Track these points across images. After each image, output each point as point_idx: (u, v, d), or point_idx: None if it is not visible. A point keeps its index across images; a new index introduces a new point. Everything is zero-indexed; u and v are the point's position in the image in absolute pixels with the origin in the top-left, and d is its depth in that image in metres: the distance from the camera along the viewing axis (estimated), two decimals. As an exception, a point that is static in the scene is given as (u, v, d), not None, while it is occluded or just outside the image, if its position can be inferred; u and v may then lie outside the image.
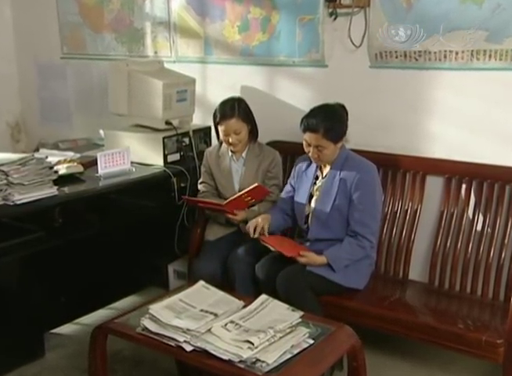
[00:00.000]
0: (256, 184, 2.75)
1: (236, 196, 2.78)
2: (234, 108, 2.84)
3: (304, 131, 2.58)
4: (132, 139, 3.21)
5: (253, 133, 2.93)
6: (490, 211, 2.70)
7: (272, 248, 2.62)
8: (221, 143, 2.98)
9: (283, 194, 2.84)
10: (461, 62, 2.69)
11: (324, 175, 2.69)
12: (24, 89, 4.46)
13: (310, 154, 2.61)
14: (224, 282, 2.66)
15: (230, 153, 2.96)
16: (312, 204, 2.69)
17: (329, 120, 2.55)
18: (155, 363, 2.72)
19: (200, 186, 3.04)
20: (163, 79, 3.13)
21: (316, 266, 2.55)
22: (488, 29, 2.60)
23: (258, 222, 2.66)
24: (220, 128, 2.87)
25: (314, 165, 2.73)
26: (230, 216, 2.81)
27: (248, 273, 2.67)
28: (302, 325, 2.09)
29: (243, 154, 2.95)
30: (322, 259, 2.55)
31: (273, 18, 3.19)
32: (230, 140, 2.86)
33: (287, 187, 2.84)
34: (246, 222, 2.80)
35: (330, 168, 2.66)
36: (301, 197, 2.74)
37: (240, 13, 3.30)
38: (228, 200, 2.78)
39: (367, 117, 3.00)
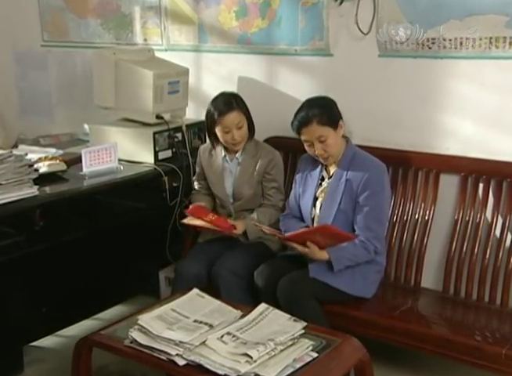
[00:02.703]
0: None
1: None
2: (231, 101, 2.85)
3: (299, 129, 2.62)
4: (120, 135, 3.21)
5: (250, 130, 2.94)
6: (510, 213, 2.70)
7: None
8: (212, 143, 2.96)
9: (293, 201, 2.83)
10: (478, 50, 2.69)
11: (330, 175, 2.69)
12: (1, 80, 4.45)
13: (316, 152, 2.62)
14: (212, 285, 2.68)
15: (223, 153, 2.95)
16: (317, 206, 2.70)
17: (316, 106, 2.60)
18: (144, 379, 2.72)
19: (195, 183, 3.08)
20: (153, 69, 3.13)
21: (315, 260, 2.55)
22: (508, 14, 2.60)
23: None
24: (219, 126, 2.84)
25: (319, 165, 2.73)
26: (233, 232, 2.80)
27: (235, 284, 2.67)
28: (305, 337, 2.09)
29: (238, 154, 2.95)
30: (321, 254, 2.55)
31: (273, 2, 3.19)
32: (235, 136, 2.84)
33: (295, 191, 2.82)
34: (245, 234, 2.81)
35: (337, 168, 2.67)
36: (306, 200, 2.74)
37: (238, -3, 3.31)
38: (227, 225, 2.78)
39: (376, 110, 3.00)
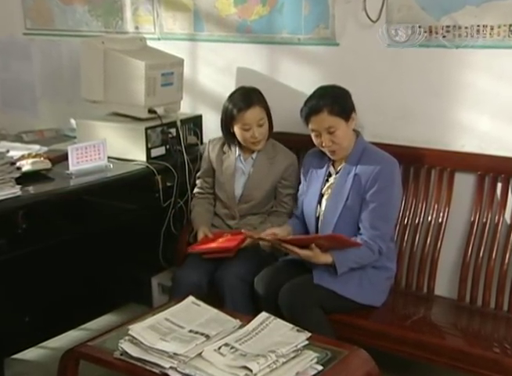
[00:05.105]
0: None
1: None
2: (251, 96, 2.87)
3: (307, 117, 2.63)
4: (109, 130, 3.21)
5: (269, 128, 2.94)
6: (530, 215, 2.71)
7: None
8: (228, 143, 2.97)
9: (300, 200, 2.84)
10: (497, 38, 2.69)
11: (337, 170, 2.70)
12: (-19, 71, 4.47)
13: (324, 145, 2.63)
14: (212, 294, 2.68)
15: (238, 152, 2.96)
16: (323, 204, 2.71)
17: (329, 95, 2.62)
18: (136, 394, 2.72)
19: (197, 182, 3.10)
20: (145, 59, 3.14)
21: (318, 264, 2.56)
22: (529, 0, 2.61)
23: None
24: (239, 123, 2.85)
25: (326, 161, 2.74)
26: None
27: (240, 289, 2.69)
28: (309, 348, 2.10)
29: (254, 154, 2.95)
30: (325, 257, 2.55)
31: (275, -13, 3.20)
32: (255, 134, 2.85)
33: (301, 189, 2.84)
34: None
35: (345, 162, 2.68)
36: (310, 198, 2.75)
37: (236, -18, 3.32)
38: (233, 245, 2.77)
39: (385, 104, 3.00)
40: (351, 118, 2.63)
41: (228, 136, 2.94)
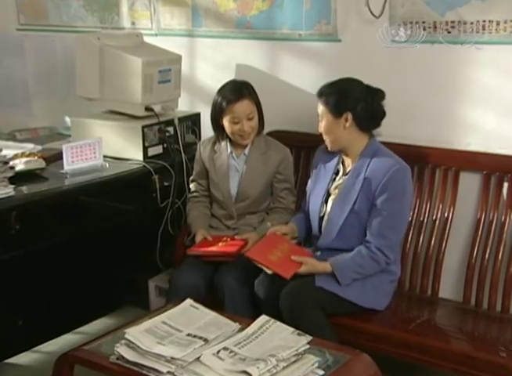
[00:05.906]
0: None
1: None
2: (242, 88, 2.86)
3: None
4: (105, 129, 3.21)
5: (260, 123, 2.94)
6: (537, 215, 2.71)
7: (267, 270, 2.59)
8: (218, 136, 2.97)
9: (306, 196, 2.84)
10: (503, 34, 2.69)
11: (347, 171, 2.69)
12: (-27, 68, 4.46)
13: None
14: (210, 297, 2.68)
15: (229, 149, 2.95)
16: (329, 204, 2.70)
17: (335, 86, 2.65)
18: (132, 399, 2.72)
19: (192, 185, 3.08)
20: (142, 56, 3.14)
21: (318, 274, 2.56)
22: (536, -6, 2.61)
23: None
24: (228, 116, 2.85)
25: (335, 158, 2.74)
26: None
27: (240, 292, 2.69)
28: (310, 352, 2.09)
29: (246, 150, 2.95)
30: (324, 266, 2.56)
31: (275, -18, 3.20)
32: (244, 127, 2.85)
33: (309, 185, 2.84)
34: None
35: (355, 164, 2.66)
36: (316, 195, 2.75)
37: (235, -24, 3.32)
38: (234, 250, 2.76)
39: (389, 101, 2.97)
40: (342, 117, 2.61)
41: (218, 130, 2.94)
